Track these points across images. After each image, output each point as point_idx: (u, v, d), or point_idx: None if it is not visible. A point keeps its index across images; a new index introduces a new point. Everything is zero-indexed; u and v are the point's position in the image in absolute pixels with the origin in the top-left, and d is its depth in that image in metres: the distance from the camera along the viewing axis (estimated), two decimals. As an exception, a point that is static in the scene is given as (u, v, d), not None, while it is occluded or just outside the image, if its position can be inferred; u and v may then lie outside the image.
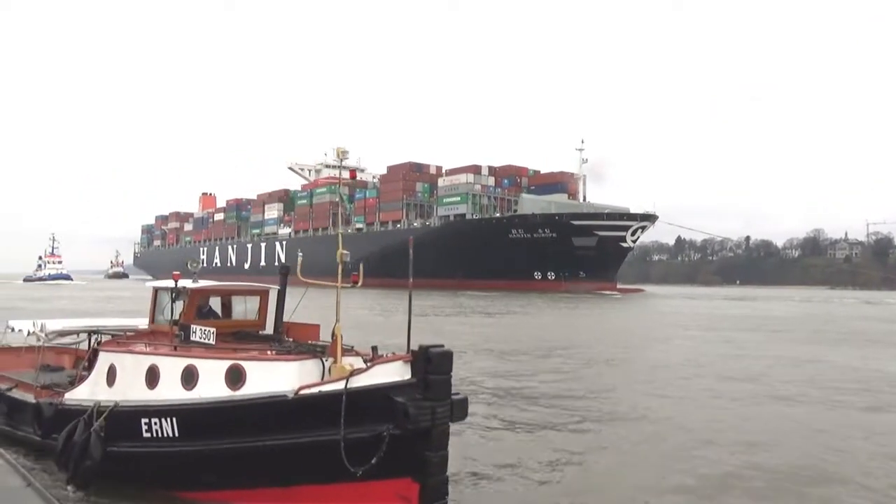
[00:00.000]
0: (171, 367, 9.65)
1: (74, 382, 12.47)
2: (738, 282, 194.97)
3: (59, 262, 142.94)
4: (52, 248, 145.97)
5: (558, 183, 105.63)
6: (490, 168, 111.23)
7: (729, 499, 9.64)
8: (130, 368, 10.24)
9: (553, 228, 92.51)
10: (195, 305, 11.12)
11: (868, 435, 13.12)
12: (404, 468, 7.87)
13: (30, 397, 11.77)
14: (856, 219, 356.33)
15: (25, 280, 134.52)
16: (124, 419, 9.56)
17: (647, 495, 9.72)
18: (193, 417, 8.97)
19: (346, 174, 9.56)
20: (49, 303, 56.14)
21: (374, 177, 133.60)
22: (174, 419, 9.04)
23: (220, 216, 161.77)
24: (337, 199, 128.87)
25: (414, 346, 8.18)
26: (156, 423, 9.17)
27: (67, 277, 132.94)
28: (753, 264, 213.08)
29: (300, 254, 10.10)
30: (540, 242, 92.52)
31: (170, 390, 9.47)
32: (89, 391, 10.74)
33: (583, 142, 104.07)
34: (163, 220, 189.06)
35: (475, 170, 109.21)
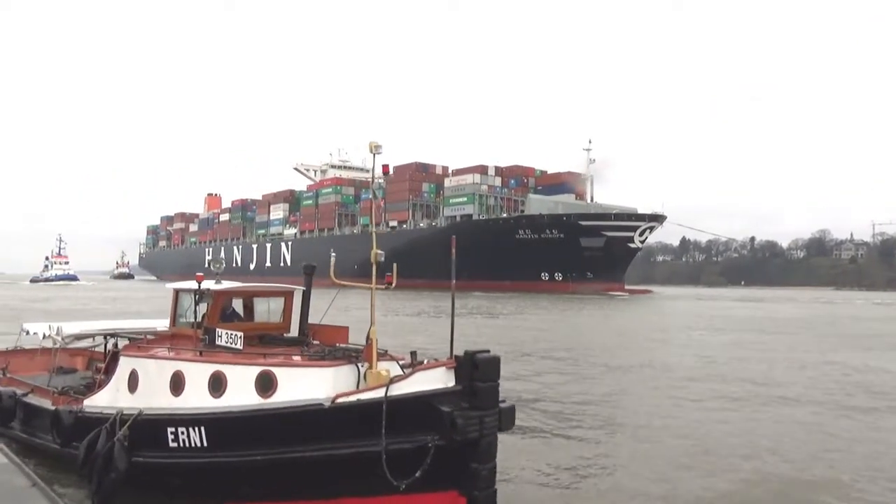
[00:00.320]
0: (197, 374, 9.30)
1: (91, 387, 12.14)
2: (742, 283, 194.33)
3: (66, 263, 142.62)
4: (59, 248, 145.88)
5: (565, 183, 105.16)
6: (497, 168, 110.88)
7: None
8: (153, 374, 9.90)
9: (560, 229, 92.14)
10: (220, 308, 10.77)
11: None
12: (450, 481, 7.51)
13: (47, 403, 11.41)
14: (861, 219, 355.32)
15: (32, 281, 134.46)
16: (149, 428, 9.20)
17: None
18: (223, 427, 8.60)
19: (378, 169, 9.18)
20: (55, 303, 56.03)
21: (379, 177, 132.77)
22: (202, 428, 8.67)
23: (225, 217, 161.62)
24: (341, 200, 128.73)
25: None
26: (183, 433, 8.81)
27: (74, 278, 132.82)
28: (758, 265, 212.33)
29: (333, 253, 9.72)
30: (547, 243, 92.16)
31: (196, 398, 9.11)
32: (110, 398, 10.40)
33: (590, 142, 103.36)
34: (168, 220, 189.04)
35: (482, 170, 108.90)
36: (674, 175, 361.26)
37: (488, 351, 7.77)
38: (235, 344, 9.59)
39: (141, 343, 11.23)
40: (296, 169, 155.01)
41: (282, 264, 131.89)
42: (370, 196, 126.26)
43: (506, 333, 33.05)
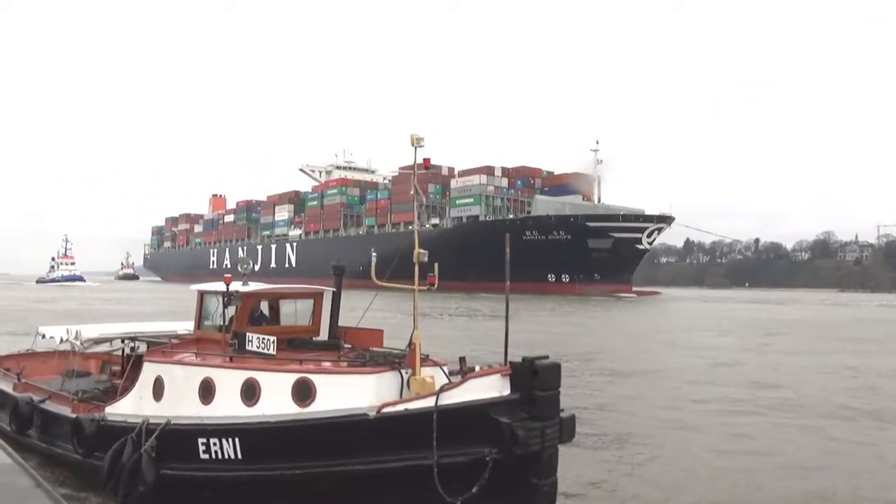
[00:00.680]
0: (228, 381, 8.86)
1: (109, 392, 11.82)
2: (746, 284, 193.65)
3: (73, 264, 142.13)
4: (66, 249, 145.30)
5: (572, 184, 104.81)
6: (503, 169, 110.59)
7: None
8: (181, 381, 9.46)
9: (568, 230, 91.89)
10: (248, 310, 10.35)
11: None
12: (509, 497, 7.10)
13: (66, 410, 10.96)
14: (866, 221, 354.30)
15: (38, 281, 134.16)
16: (178, 438, 8.78)
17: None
18: (259, 438, 8.19)
19: (420, 162, 8.70)
20: (62, 304, 55.95)
21: (384, 178, 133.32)
22: (236, 439, 8.24)
23: (230, 218, 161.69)
24: (347, 201, 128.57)
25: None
26: (215, 444, 8.38)
27: (80, 279, 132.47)
28: (763, 267, 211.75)
29: (374, 253, 9.30)
30: (554, 244, 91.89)
31: (227, 406, 8.68)
32: (134, 405, 9.96)
33: (597, 142, 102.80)
34: (173, 221, 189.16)
35: (488, 171, 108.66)
36: (676, 176, 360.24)
37: (547, 356, 7.40)
38: (268, 349, 9.18)
39: (165, 348, 10.77)
40: (301, 170, 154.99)
41: (287, 265, 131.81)
42: (376, 197, 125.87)
43: (511, 337, 32.57)
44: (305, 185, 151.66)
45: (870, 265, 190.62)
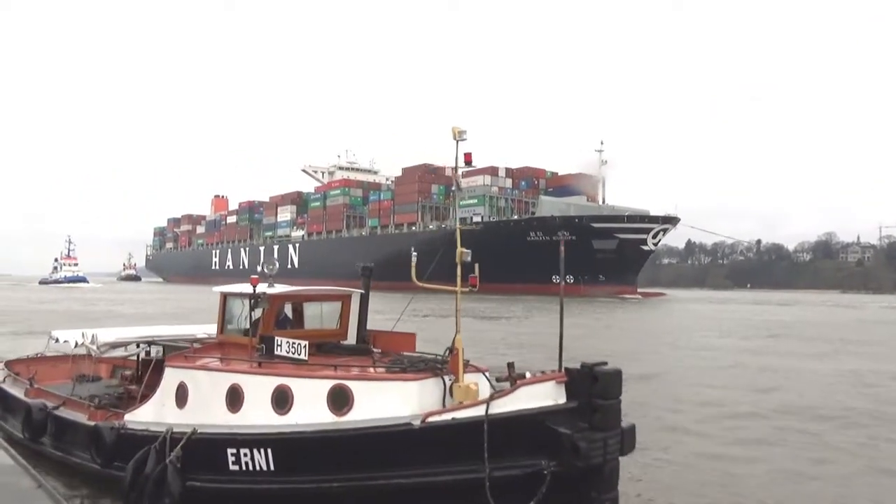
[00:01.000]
0: (257, 387, 8.45)
1: (124, 398, 11.47)
2: (748, 285, 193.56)
3: (76, 265, 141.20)
4: (69, 249, 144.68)
5: (577, 185, 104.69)
6: (507, 170, 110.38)
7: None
8: (206, 388, 9.06)
9: (572, 231, 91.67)
10: (275, 313, 9.98)
11: None
12: None
13: (82, 417, 10.54)
14: (868, 222, 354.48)
15: (41, 283, 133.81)
16: (205, 448, 8.37)
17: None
18: (293, 448, 7.77)
19: (461, 157, 8.26)
20: (65, 305, 55.67)
21: (388, 179, 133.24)
22: (269, 450, 7.83)
23: (232, 219, 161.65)
24: (350, 202, 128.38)
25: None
26: (245, 454, 7.97)
27: (83, 280, 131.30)
28: (764, 268, 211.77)
29: (414, 253, 8.82)
30: (558, 245, 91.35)
31: (257, 414, 8.27)
32: (155, 413, 9.54)
33: (602, 143, 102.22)
34: (175, 222, 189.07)
35: (492, 171, 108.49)
36: (677, 176, 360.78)
37: (605, 363, 7.01)
38: (299, 354, 8.75)
39: (187, 352, 10.32)
40: (303, 171, 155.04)
41: (289, 266, 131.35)
42: (378, 198, 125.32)
43: (515, 338, 32.32)
44: (308, 185, 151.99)
45: (872, 266, 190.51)
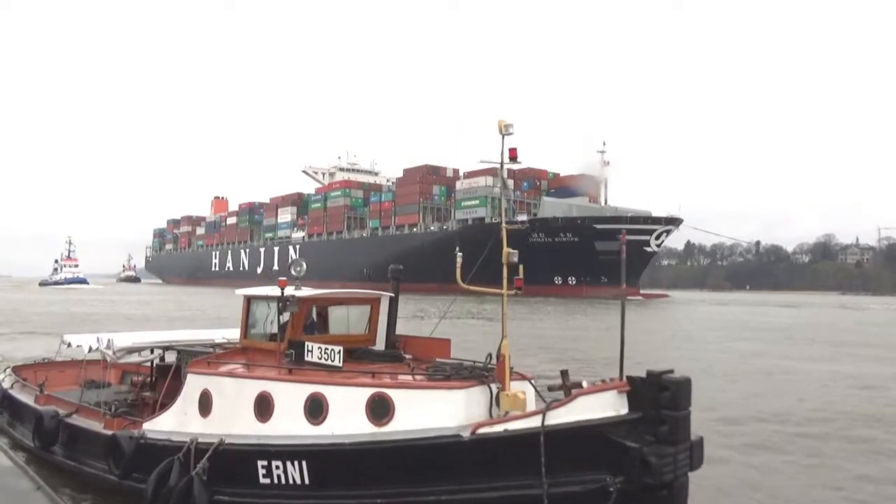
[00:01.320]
0: (288, 396, 8.03)
1: (136, 405, 11.20)
2: (747, 287, 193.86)
3: (76, 266, 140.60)
4: (69, 251, 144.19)
5: (579, 186, 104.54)
6: (509, 171, 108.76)
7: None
8: (232, 396, 8.64)
9: (575, 232, 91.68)
10: (304, 317, 9.58)
11: None
12: None
13: (97, 426, 10.12)
14: (867, 224, 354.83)
15: (41, 284, 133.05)
16: (234, 460, 7.95)
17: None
18: (330, 461, 7.35)
19: (506, 153, 7.86)
20: (65, 306, 55.16)
21: (388, 180, 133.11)
22: (303, 462, 7.41)
23: (232, 220, 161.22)
24: (351, 203, 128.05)
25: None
26: (277, 467, 7.55)
27: (84, 281, 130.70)
28: (763, 269, 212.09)
29: (459, 253, 8.47)
30: (561, 246, 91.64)
31: (288, 424, 7.85)
32: (176, 421, 9.11)
33: (604, 144, 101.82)
34: (174, 223, 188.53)
35: (494, 173, 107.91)
36: (677, 178, 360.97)
37: (672, 370, 6.53)
38: (333, 360, 8.29)
39: (209, 358, 9.86)
40: (304, 172, 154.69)
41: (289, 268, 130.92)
42: (379, 199, 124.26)
43: (516, 342, 32.07)
44: (308, 187, 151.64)
45: (871, 268, 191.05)
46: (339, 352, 8.28)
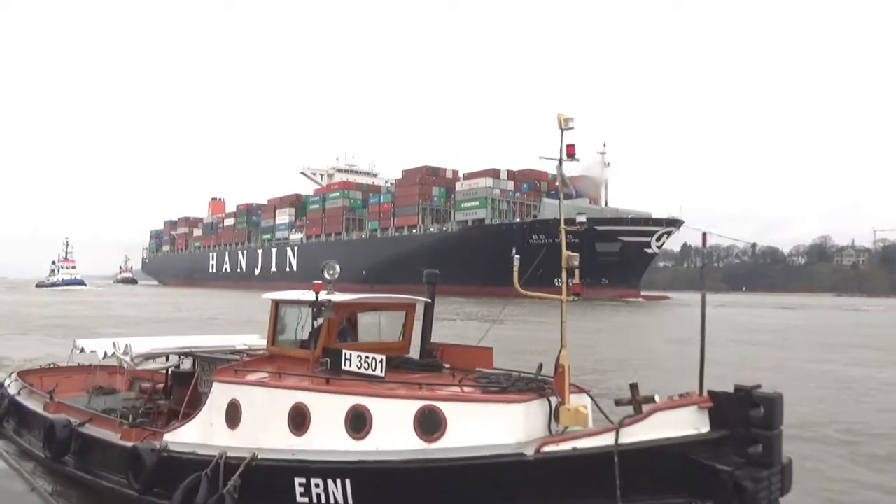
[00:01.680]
0: (327, 408, 7.56)
1: (151, 414, 10.76)
2: (743, 288, 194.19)
3: (73, 267, 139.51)
4: (66, 252, 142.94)
5: (579, 187, 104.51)
6: (509, 172, 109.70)
7: None
8: (263, 407, 8.14)
9: (575, 234, 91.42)
10: (338, 323, 9.09)
11: None
12: None
13: (113, 436, 9.58)
14: (863, 226, 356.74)
15: (38, 285, 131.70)
16: (268, 477, 7.46)
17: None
18: (377, 479, 6.86)
19: (564, 149, 7.46)
20: (66, 308, 54.76)
21: (387, 181, 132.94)
22: (346, 481, 6.91)
23: (230, 221, 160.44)
24: (349, 204, 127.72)
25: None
26: (317, 485, 7.06)
27: (81, 283, 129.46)
28: (760, 271, 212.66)
29: (516, 255, 8.11)
30: (560, 247, 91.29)
31: (327, 439, 7.39)
32: (202, 433, 8.61)
33: (605, 145, 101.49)
34: (171, 225, 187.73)
35: (494, 174, 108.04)
36: (678, 179, 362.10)
37: (760, 385, 5.99)
38: (374, 370, 7.79)
39: (237, 366, 9.30)
40: (302, 173, 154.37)
41: (287, 269, 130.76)
42: (378, 201, 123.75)
43: (517, 345, 31.84)
44: (307, 188, 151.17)
45: (867, 269, 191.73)
46: (382, 361, 7.82)
